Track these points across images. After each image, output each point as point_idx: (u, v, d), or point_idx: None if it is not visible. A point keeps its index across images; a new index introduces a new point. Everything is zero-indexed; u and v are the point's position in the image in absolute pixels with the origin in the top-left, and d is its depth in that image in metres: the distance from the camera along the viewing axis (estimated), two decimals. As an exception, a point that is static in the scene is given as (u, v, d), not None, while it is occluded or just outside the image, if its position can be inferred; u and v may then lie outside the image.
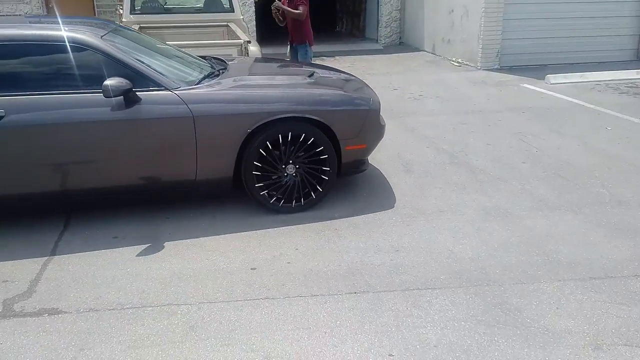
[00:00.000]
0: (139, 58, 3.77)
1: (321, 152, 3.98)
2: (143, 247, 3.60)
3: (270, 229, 3.84)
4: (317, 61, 10.35)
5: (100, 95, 3.45)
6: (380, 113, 4.44)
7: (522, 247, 3.55)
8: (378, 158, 5.22)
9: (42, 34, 3.62)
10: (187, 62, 4.41)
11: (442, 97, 7.68)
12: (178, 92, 3.69)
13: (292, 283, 3.18)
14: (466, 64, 10.01)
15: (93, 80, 3.53)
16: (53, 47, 3.55)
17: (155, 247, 3.61)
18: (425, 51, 11.80)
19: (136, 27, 7.41)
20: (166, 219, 4.00)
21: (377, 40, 13.03)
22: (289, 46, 7.81)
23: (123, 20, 7.75)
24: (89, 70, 3.58)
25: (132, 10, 7.73)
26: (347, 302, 2.98)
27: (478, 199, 4.31)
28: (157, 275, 3.26)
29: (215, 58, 4.82)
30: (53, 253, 3.53)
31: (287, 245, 3.63)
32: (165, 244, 3.65)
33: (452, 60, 10.42)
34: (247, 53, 6.36)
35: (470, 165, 5.04)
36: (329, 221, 3.96)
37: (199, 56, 4.83)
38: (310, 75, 4.39)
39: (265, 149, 3.87)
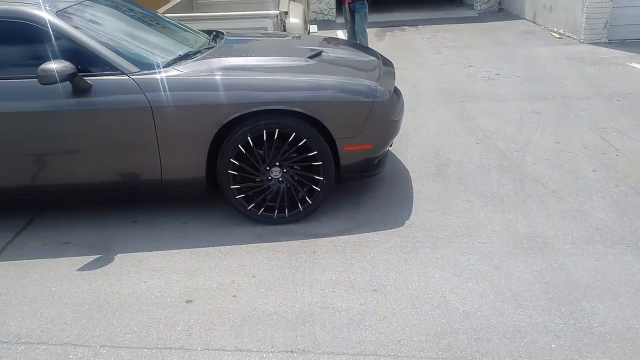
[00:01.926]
0: (103, 37, 3.25)
1: (314, 157, 3.26)
2: (89, 258, 3.16)
3: (237, 245, 3.23)
4: (396, 31, 9.41)
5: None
6: (400, 104, 3.60)
7: (543, 302, 2.61)
8: (408, 154, 4.36)
9: None
10: (176, 40, 3.83)
11: (523, 77, 6.46)
12: (136, 77, 3.13)
13: (222, 328, 2.55)
14: (568, 36, 8.48)
15: (40, 64, 3.03)
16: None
17: (101, 260, 3.14)
18: (525, 19, 10.27)
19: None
20: (133, 223, 3.52)
21: (473, 7, 11.62)
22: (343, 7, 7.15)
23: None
24: (35, 51, 3.11)
25: (184, -20, 7.28)
26: (274, 366, 2.31)
27: (513, 220, 3.36)
28: (79, 300, 2.79)
29: (218, 35, 4.19)
30: (-4, 258, 3.19)
31: (245, 269, 2.99)
32: (115, 256, 3.17)
33: (553, 32, 8.91)
34: (284, 27, 5.66)
35: (523, 170, 4.01)
36: (311, 240, 3.25)
37: (208, 31, 4.25)
38: (313, 56, 3.62)
39: (246, 145, 3.22)
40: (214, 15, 5.60)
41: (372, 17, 10.29)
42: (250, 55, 3.69)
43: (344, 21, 7.59)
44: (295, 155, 3.29)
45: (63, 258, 3.17)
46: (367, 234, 3.29)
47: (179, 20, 5.54)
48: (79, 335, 2.53)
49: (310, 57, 3.58)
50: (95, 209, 3.66)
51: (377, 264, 2.98)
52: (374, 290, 2.77)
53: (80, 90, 3.08)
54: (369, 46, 7.45)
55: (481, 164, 4.17)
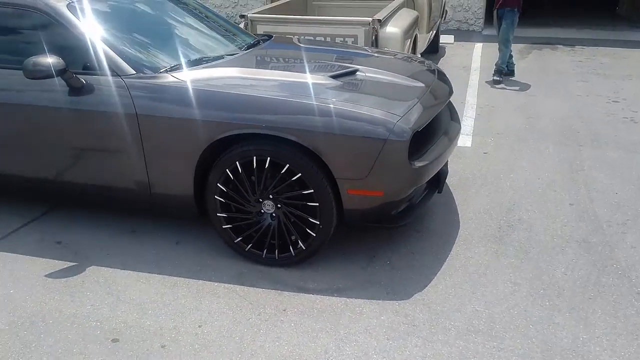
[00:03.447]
0: (111, 34, 3.03)
1: (310, 197, 2.71)
2: (64, 264, 2.99)
3: (209, 282, 2.81)
4: (546, 50, 8.23)
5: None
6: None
7: None
8: (474, 203, 3.57)
9: None
10: (204, 42, 3.51)
11: (681, 124, 5.08)
12: (129, 80, 2.86)
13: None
14: None
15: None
16: (4, 12, 3.06)
17: (73, 269, 2.95)
18: None
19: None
20: (131, 232, 3.29)
21: (657, 30, 9.75)
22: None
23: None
24: (39, 42, 3.00)
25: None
26: None
27: (561, 325, 2.47)
28: (21, 311, 2.60)
29: (262, 39, 3.79)
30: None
31: (197, 315, 2.57)
32: (88, 268, 2.96)
33: None
34: (376, 36, 5.07)
35: (611, 254, 3.01)
36: (291, 293, 2.72)
37: (261, 35, 3.88)
38: (341, 75, 3.04)
39: (234, 171, 2.79)
40: (304, 19, 5.22)
41: (525, 31, 9.15)
42: (268, 68, 3.23)
43: (493, 33, 6.86)
44: (289, 190, 2.76)
45: (44, 259, 3.03)
46: (358, 300, 2.65)
47: (270, 20, 5.27)
48: (-16, 354, 2.32)
49: (336, 76, 3.00)
50: (106, 213, 3.48)
51: (345, 347, 2.35)
52: (318, 383, 2.16)
53: (71, 87, 2.88)
54: (504, 61, 6.53)
55: (560, 235, 3.22)
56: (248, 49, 3.55)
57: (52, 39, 3.01)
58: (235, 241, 2.93)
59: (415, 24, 6.05)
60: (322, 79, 2.96)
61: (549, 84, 6.52)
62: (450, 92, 3.40)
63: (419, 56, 4.23)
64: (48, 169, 3.12)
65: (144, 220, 3.39)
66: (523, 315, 2.55)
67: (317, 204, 2.73)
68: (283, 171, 2.71)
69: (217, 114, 2.72)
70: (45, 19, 3.01)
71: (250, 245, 2.92)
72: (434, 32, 7.76)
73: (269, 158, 2.71)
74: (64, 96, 2.92)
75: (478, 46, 8.87)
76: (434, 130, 3.07)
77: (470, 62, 7.86)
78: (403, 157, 2.63)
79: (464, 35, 9.80)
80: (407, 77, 3.22)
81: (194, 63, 3.10)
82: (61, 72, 2.78)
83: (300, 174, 2.69)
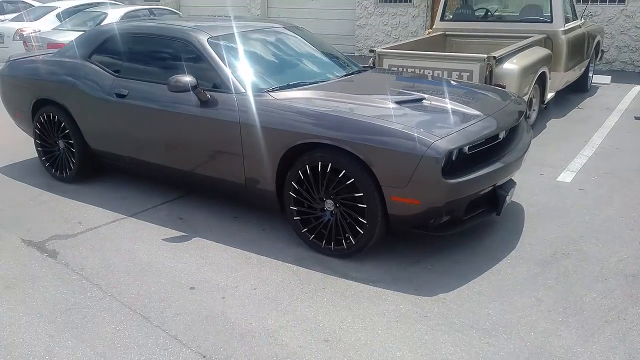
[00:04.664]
0: (235, 61, 3.91)
1: (361, 199, 3.26)
2: (176, 233, 3.87)
3: (274, 260, 3.47)
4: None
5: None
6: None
7: None
8: (539, 233, 3.73)
9: (162, 27, 4.23)
10: (311, 69, 4.24)
11: None
12: (238, 96, 3.70)
13: (193, 326, 2.90)
14: None
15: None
16: (164, 40, 4.14)
17: (181, 238, 3.81)
18: None
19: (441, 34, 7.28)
20: (233, 218, 4.11)
21: None
22: None
23: (433, 26, 7.64)
24: (184, 65, 4.00)
25: (443, 17, 7.51)
26: None
27: (563, 337, 2.65)
28: (130, 263, 3.53)
29: (364, 69, 4.41)
30: (130, 214, 4.20)
31: (256, 280, 3.23)
32: (193, 239, 3.81)
33: None
34: (490, 73, 5.37)
35: (658, 290, 3.03)
36: (334, 277, 3.26)
37: (368, 66, 4.52)
38: (406, 102, 3.53)
39: (304, 172, 3.46)
40: (424, 54, 5.71)
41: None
42: (347, 92, 3.80)
43: None
44: (345, 193, 3.32)
45: (165, 228, 3.97)
46: (387, 291, 3.10)
47: (394, 55, 5.90)
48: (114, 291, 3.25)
49: (400, 102, 3.50)
50: (221, 201, 4.36)
51: (359, 321, 2.83)
52: (325, 340, 2.68)
53: (200, 100, 3.80)
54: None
55: (611, 267, 3.28)
56: (344, 76, 4.21)
57: (191, 63, 3.99)
58: (302, 231, 3.56)
59: (543, 62, 6.15)
60: (386, 103, 3.49)
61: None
62: (516, 123, 3.66)
63: (508, 91, 4.47)
64: (180, 162, 4.08)
65: (246, 210, 4.18)
66: (530, 324, 2.76)
67: (365, 206, 3.25)
68: (340, 175, 3.29)
69: (293, 125, 3.41)
70: (189, 48, 4.01)
71: (313, 236, 3.53)
72: (582, 71, 7.67)
73: (330, 164, 3.31)
74: (195, 106, 3.85)
75: (636, 89, 8.42)
76: (488, 155, 3.38)
77: (617, 103, 7.56)
78: (437, 172, 3.04)
79: (626, 76, 9.34)
80: (469, 106, 3.58)
81: (292, 86, 3.84)
82: (194, 88, 3.70)
83: (353, 179, 3.24)
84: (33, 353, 2.64)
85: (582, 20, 7.71)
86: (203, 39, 4.00)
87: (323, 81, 4.02)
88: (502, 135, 3.56)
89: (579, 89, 8.10)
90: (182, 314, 2.93)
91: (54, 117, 4.73)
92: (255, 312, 2.93)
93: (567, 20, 7.02)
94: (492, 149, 3.48)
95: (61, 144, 4.80)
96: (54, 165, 4.91)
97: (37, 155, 5.14)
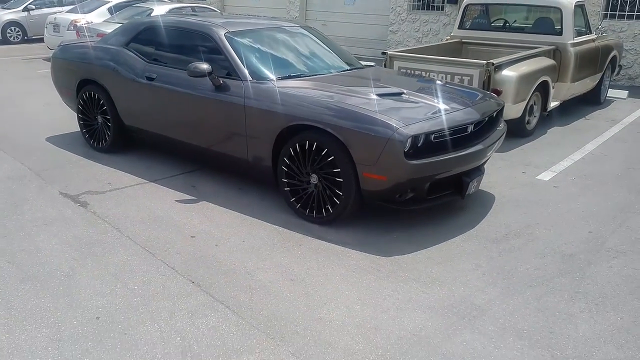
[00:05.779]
0: (247, 54, 4.57)
1: (338, 174, 3.86)
2: (187, 197, 4.55)
3: (260, 221, 4.09)
4: None
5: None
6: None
7: None
8: (500, 219, 4.23)
9: (187, 22, 4.94)
10: (319, 63, 4.85)
11: None
12: (245, 83, 4.35)
13: (194, 263, 3.56)
14: None
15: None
16: (188, 33, 4.84)
17: (191, 201, 4.49)
18: None
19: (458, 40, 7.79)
20: (238, 189, 4.76)
21: None
22: None
23: (452, 34, 8.14)
24: (203, 55, 4.68)
25: (461, 25, 8.00)
26: None
27: (481, 289, 3.18)
28: (144, 215, 4.22)
29: (365, 66, 5.00)
30: (152, 180, 4.90)
31: (242, 233, 3.86)
32: (201, 201, 4.47)
33: None
34: (489, 78, 5.86)
35: (575, 264, 3.50)
36: (311, 238, 3.85)
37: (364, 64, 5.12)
38: (387, 95, 4.10)
39: (294, 150, 4.07)
40: (429, 58, 6.25)
41: None
42: (339, 84, 4.38)
43: None
44: (326, 168, 3.92)
45: (179, 193, 4.64)
46: (353, 251, 3.67)
47: (403, 58, 6.46)
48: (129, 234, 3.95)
49: (381, 94, 4.08)
50: (230, 174, 5.02)
51: (321, 268, 3.42)
52: (291, 280, 3.29)
53: (215, 85, 4.47)
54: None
55: (554, 248, 3.76)
56: (343, 71, 4.81)
57: (210, 53, 4.67)
58: (291, 200, 4.18)
59: (544, 72, 6.56)
60: (368, 95, 4.08)
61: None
62: (481, 120, 4.17)
63: (485, 91, 4.97)
64: (197, 138, 4.76)
65: (250, 183, 4.83)
66: (463, 282, 3.29)
67: (342, 180, 3.83)
68: (323, 153, 3.89)
69: (286, 109, 4.03)
70: (209, 40, 4.69)
71: (299, 205, 4.13)
72: (594, 84, 7.99)
73: (315, 143, 3.91)
74: (210, 91, 4.52)
75: (647, 103, 8.68)
76: (455, 145, 3.91)
77: (624, 116, 7.87)
78: (400, 153, 3.60)
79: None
80: (441, 101, 4.12)
81: (293, 77, 4.47)
82: (209, 74, 4.37)
83: (333, 157, 3.84)
84: (60, 269, 3.35)
85: (596, 35, 8.04)
86: (221, 33, 4.67)
87: (323, 74, 4.63)
88: (470, 129, 4.09)
89: (592, 101, 8.43)
90: (181, 253, 3.59)
91: (94, 96, 5.50)
92: (240, 257, 3.56)
93: (578, 34, 7.40)
94: (460, 139, 4.00)
95: (99, 119, 5.57)
96: (93, 137, 5.69)
97: (78, 129, 5.93)
